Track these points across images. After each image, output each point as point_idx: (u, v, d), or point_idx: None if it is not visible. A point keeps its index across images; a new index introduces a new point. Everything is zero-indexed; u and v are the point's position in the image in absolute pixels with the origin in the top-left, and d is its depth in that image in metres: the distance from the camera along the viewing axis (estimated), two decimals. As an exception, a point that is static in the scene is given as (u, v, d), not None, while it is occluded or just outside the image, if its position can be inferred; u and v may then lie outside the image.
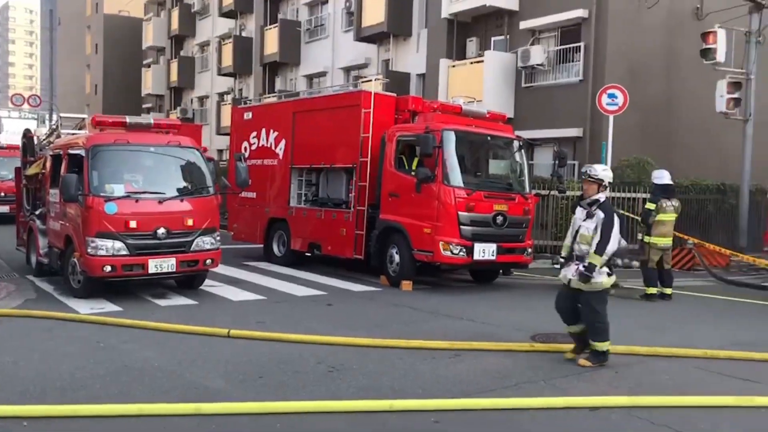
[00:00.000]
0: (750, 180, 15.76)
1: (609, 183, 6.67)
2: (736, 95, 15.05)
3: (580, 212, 6.68)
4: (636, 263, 12.41)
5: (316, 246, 12.55)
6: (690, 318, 9.42)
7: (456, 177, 10.54)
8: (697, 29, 16.25)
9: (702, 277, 12.97)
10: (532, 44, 19.18)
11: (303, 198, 13.13)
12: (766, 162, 15.22)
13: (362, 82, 16.50)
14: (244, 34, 33.17)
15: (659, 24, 18.18)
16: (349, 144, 11.81)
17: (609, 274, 6.47)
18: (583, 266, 6.38)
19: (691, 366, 6.63)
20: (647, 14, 17.17)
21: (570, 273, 6.56)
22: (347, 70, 26.50)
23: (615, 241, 6.43)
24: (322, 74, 27.99)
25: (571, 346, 6.81)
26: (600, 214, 6.42)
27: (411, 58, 23.52)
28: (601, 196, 6.55)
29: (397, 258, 11.00)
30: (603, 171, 6.66)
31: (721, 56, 14.75)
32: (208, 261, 9.43)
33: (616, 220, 6.48)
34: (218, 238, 9.59)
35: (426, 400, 5.21)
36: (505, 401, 5.22)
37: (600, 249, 6.35)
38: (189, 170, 9.66)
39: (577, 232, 6.60)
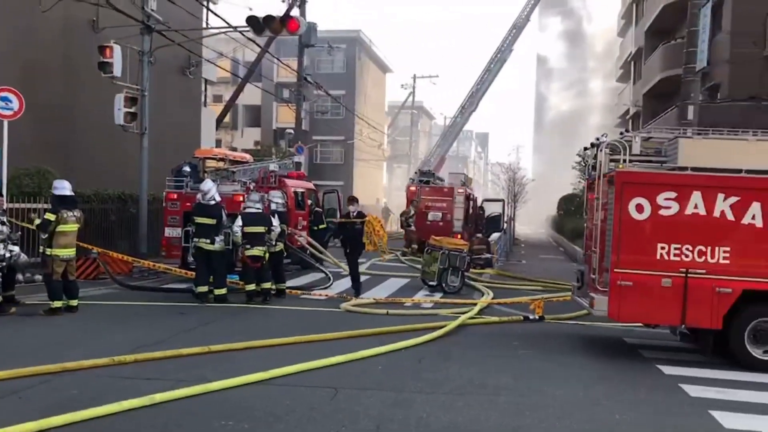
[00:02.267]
0: (148, 189, 16.89)
1: None
2: (132, 110, 15.89)
3: None
4: (39, 277, 11.84)
5: None
6: (98, 328, 9.50)
7: None
8: (96, 41, 16.49)
9: (107, 285, 13.25)
10: None
11: None
12: (161, 173, 16.51)
13: None
14: None
15: (56, 30, 17.72)
16: None
17: None
18: None
19: (102, 375, 6.71)
20: (43, 17, 16.53)
21: None
22: None
23: None
24: None
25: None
26: None
27: None
28: None
29: None
30: None
31: (117, 71, 15.33)
32: None
33: None
34: None
35: None
36: None
37: None
38: None
39: None
